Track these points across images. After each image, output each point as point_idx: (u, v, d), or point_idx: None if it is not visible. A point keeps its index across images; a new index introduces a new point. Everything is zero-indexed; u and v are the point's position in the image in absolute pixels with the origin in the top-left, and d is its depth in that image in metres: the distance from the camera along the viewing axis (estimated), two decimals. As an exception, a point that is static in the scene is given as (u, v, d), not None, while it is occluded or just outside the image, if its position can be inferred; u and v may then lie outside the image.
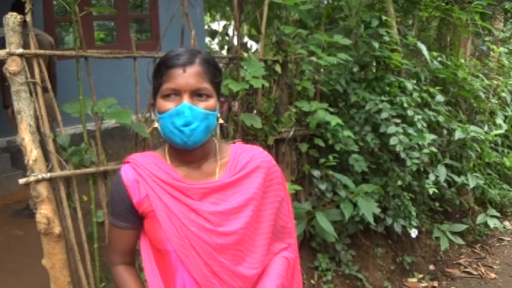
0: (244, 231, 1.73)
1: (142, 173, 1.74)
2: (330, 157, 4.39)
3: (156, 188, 1.72)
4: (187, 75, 1.65)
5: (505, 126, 6.45)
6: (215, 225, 1.70)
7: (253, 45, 4.94)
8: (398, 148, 4.50)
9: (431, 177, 5.01)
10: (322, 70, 4.83)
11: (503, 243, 5.90)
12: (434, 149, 4.81)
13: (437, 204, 5.67)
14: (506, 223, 6.25)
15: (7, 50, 2.70)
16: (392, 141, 4.51)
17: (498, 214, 5.57)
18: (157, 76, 1.71)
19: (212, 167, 1.79)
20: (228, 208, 1.72)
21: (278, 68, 4.29)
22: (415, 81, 5.25)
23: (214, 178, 1.77)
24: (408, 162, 4.55)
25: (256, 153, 1.85)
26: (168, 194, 1.72)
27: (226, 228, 1.71)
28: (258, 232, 1.78)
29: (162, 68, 1.68)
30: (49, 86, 3.05)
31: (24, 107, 2.73)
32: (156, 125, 1.76)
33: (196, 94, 1.67)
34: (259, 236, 1.77)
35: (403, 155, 4.55)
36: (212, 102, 1.70)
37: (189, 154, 1.75)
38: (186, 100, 1.65)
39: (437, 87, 5.51)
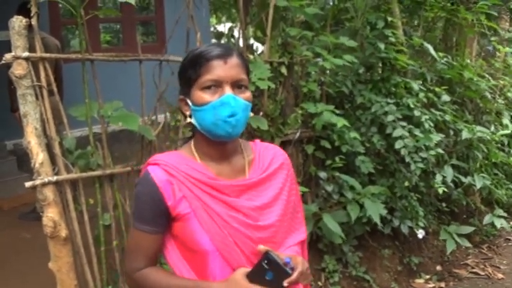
0: (280, 223, 1.77)
1: (176, 174, 1.70)
2: (337, 158, 4.38)
3: (193, 188, 1.69)
4: (229, 67, 1.66)
5: (511, 127, 6.42)
6: (254, 220, 1.72)
7: (259, 47, 4.94)
8: (403, 152, 4.48)
9: (438, 177, 4.99)
10: (328, 72, 4.81)
11: (510, 243, 5.87)
12: (440, 150, 4.79)
13: (444, 204, 5.64)
14: (513, 223, 6.22)
15: (13, 53, 2.71)
16: (398, 144, 4.49)
17: (505, 214, 5.54)
18: (194, 68, 1.68)
19: (240, 163, 1.81)
20: (264, 203, 1.76)
21: (284, 70, 4.28)
22: (421, 82, 5.23)
23: (244, 175, 1.80)
24: (413, 166, 4.52)
25: (276, 151, 1.93)
26: (207, 193, 1.70)
27: (264, 222, 1.74)
28: (285, 224, 1.81)
29: (202, 60, 1.67)
30: (55, 89, 3.06)
31: (30, 110, 2.74)
32: (189, 120, 1.75)
33: (236, 85, 1.68)
34: (286, 228, 1.82)
35: (407, 159, 4.52)
36: (249, 93, 1.73)
37: (221, 150, 1.76)
38: (228, 91, 1.66)
39: (443, 88, 5.49)
